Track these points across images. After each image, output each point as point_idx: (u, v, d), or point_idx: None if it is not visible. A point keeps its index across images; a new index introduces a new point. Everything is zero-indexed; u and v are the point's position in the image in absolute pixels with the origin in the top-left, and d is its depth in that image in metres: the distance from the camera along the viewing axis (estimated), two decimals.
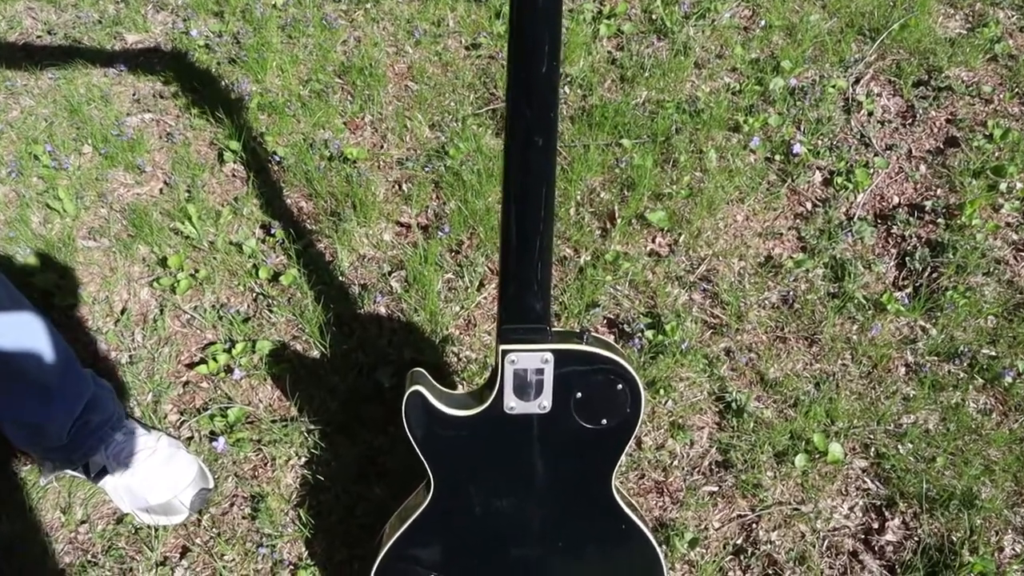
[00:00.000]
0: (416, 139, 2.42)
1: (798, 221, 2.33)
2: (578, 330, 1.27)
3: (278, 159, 2.36)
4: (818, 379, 1.98)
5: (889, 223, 2.35)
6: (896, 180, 2.47)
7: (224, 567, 1.68)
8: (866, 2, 2.91)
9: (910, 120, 2.61)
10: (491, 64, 2.63)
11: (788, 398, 1.94)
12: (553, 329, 1.24)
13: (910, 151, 2.55)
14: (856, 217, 2.35)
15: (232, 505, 1.78)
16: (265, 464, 1.83)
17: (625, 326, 2.01)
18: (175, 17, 2.97)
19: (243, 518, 1.75)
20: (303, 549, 1.71)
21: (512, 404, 1.25)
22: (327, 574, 1.67)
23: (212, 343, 2.00)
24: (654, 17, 2.82)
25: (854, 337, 2.07)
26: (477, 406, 1.26)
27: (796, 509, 1.79)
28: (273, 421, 1.87)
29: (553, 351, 1.22)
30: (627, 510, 1.39)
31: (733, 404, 1.90)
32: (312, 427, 1.85)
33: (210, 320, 2.03)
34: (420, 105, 2.51)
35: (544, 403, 1.26)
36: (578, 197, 2.27)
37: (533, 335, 1.22)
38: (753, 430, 1.88)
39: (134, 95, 2.66)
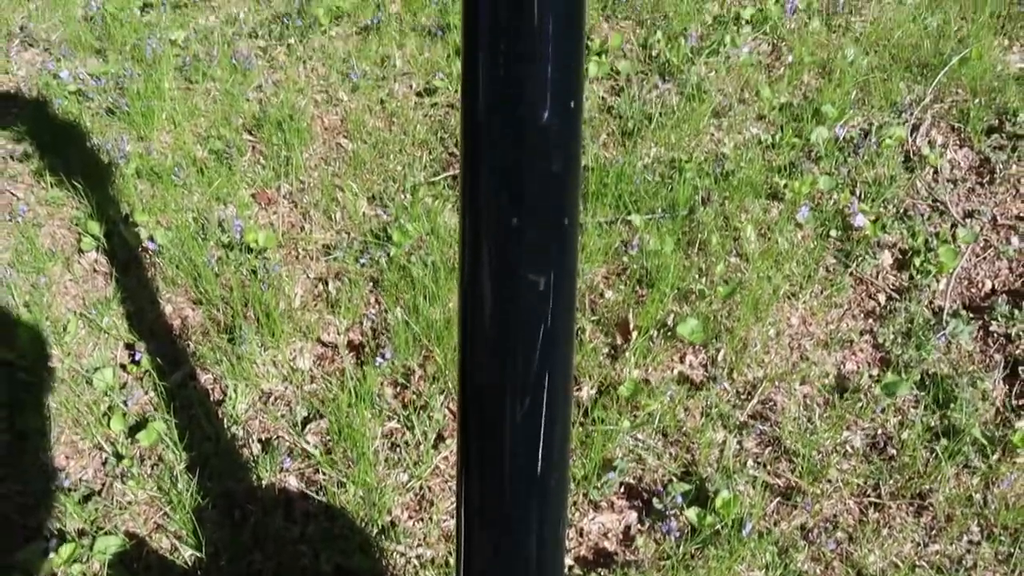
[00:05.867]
0: (349, 217, 1.77)
1: (871, 322, 1.72)
2: None
3: (155, 247, 1.69)
4: (940, 567, 1.35)
5: (986, 317, 1.75)
6: (985, 258, 1.88)
7: None
8: (908, 34, 2.34)
9: (987, 177, 2.03)
10: (449, 115, 2.00)
11: None
12: None
13: (995, 219, 1.96)
14: (946, 312, 1.74)
15: None
16: None
17: (654, 498, 1.36)
18: (45, 56, 2.32)
19: None
20: None
21: None
22: None
23: (29, 540, 1.31)
24: (655, 53, 2.22)
25: (978, 496, 1.44)
26: None
27: None
28: None
29: None
30: None
31: None
32: None
33: (34, 494, 1.35)
34: (356, 170, 1.86)
35: None
36: None
37: None
38: None
39: None
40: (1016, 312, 1.74)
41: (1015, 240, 1.92)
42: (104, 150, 1.95)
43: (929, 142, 2.11)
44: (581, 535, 1.35)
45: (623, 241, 1.70)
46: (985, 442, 1.50)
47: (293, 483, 1.35)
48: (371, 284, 1.64)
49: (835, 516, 1.40)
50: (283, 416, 1.43)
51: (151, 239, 1.70)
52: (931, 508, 1.42)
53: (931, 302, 1.78)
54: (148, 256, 1.71)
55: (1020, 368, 1.66)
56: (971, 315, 1.77)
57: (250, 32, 2.29)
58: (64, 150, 1.99)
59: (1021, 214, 1.97)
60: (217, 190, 1.81)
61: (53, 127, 2.06)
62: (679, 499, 1.34)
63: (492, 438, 0.47)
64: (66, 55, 2.28)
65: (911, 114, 2.14)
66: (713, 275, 1.68)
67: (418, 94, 2.07)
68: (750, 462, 1.44)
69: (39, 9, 2.46)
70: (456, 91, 2.05)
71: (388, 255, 1.64)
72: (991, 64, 2.28)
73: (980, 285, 1.85)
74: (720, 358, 1.56)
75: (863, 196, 1.93)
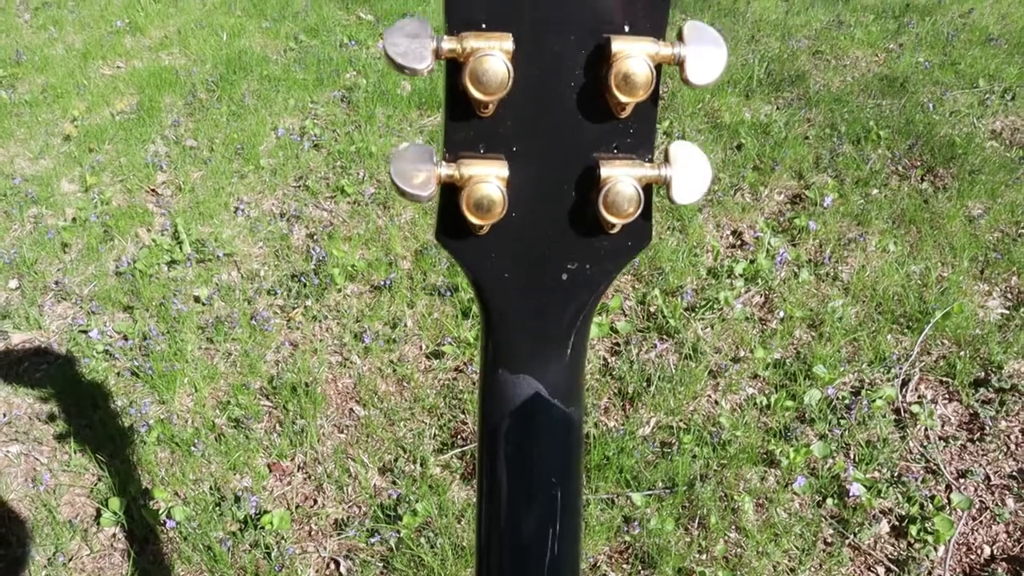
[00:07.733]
0: (362, 488, 1.84)
1: None
2: None
3: (173, 524, 1.75)
4: None
5: None
6: (981, 521, 1.92)
7: None
8: (892, 283, 2.48)
9: (977, 434, 2.10)
10: (457, 379, 2.10)
11: None
12: None
13: (988, 478, 2.02)
14: None
15: None
16: None
17: None
18: (77, 310, 2.46)
19: None
20: None
21: None
22: None
23: None
24: (652, 310, 2.35)
25: None
26: None
27: None
28: None
29: None
30: None
31: None
32: None
33: None
34: (368, 439, 1.95)
35: None
36: None
37: None
38: None
39: (3, 416, 2.08)
40: None
41: (1010, 502, 1.96)
42: (127, 414, 2.04)
43: (919, 398, 2.19)
44: None
45: (625, 517, 1.76)
46: None
47: None
48: (383, 565, 1.68)
49: None
50: None
51: (169, 516, 1.76)
52: None
53: (930, 573, 1.81)
54: (166, 534, 1.76)
55: None
56: None
57: (269, 289, 2.43)
58: (89, 412, 2.08)
59: (1014, 472, 2.02)
60: (235, 461, 1.89)
61: (79, 387, 2.16)
62: None
63: None
64: (96, 311, 2.41)
65: (900, 368, 2.24)
66: (714, 552, 1.72)
67: (427, 356, 2.18)
68: None
69: (74, 262, 2.62)
70: (464, 354, 2.16)
71: (398, 534, 1.70)
72: (973, 312, 2.40)
73: (979, 551, 1.88)
74: None
75: (857, 460, 1.99)
